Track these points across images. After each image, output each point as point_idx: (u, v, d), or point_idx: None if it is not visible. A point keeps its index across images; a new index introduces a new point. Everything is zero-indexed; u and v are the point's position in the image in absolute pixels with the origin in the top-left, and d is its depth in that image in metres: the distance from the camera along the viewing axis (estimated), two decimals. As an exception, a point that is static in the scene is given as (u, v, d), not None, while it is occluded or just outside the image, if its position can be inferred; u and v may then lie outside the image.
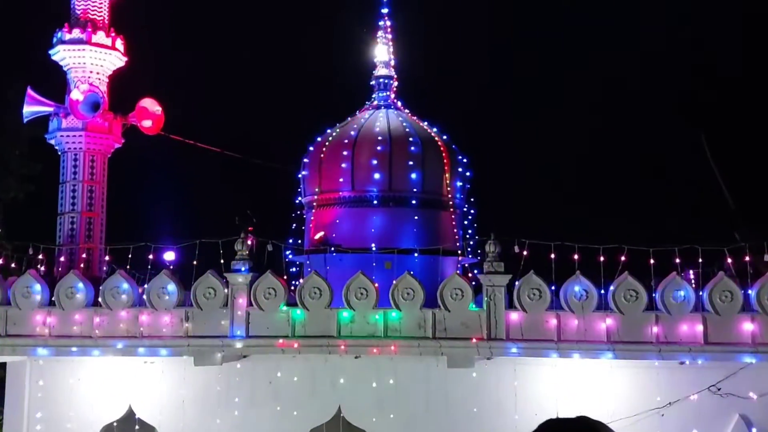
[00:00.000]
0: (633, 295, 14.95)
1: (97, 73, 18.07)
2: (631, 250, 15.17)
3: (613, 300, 15.04)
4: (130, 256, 15.75)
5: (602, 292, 15.12)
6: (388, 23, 21.90)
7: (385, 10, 21.72)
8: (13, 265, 16.73)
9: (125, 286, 15.54)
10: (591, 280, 15.11)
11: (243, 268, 15.49)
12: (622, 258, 15.13)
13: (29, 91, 18.04)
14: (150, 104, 18.30)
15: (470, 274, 19.10)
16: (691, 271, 16.30)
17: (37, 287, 15.63)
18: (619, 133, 30.48)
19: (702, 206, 25.08)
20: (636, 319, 14.97)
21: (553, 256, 15.08)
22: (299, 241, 20.22)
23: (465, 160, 20.89)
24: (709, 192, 24.01)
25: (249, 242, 15.70)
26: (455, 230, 20.26)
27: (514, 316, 15.17)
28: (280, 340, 15.29)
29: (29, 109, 18.04)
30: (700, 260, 15.37)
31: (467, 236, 20.55)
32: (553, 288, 15.18)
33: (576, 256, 15.13)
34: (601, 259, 15.13)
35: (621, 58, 31.81)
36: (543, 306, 15.13)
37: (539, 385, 15.81)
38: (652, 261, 15.15)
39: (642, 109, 30.95)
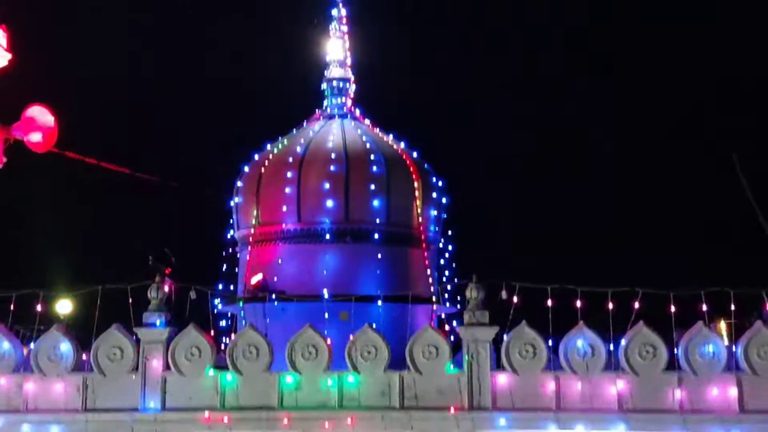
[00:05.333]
0: (650, 351, 15.12)
1: (-28, 74, 17.95)
2: (647, 294, 15.33)
3: (625, 357, 15.18)
4: (12, 307, 15.61)
5: (612, 347, 15.24)
6: (344, 12, 22.09)
7: (339, -3, 21.96)
8: None
9: (5, 345, 15.44)
10: (597, 332, 15.23)
11: (158, 322, 15.48)
12: (636, 305, 15.26)
13: None
14: (40, 113, 17.97)
15: (447, 327, 19.15)
16: (722, 321, 16.50)
17: None
18: (630, 149, 31.14)
19: (735, 238, 25.55)
20: (654, 381, 15.11)
21: (550, 302, 15.20)
22: (231, 287, 20.19)
23: (440, 183, 21.08)
24: (743, 221, 24.43)
25: (166, 288, 15.71)
26: (428, 271, 20.37)
27: (503, 378, 15.26)
28: (206, 414, 15.22)
29: None
30: (733, 307, 15.56)
31: (443, 279, 20.67)
32: (550, 343, 15.28)
33: (579, 303, 15.25)
34: (610, 306, 15.26)
35: (627, 65, 32.74)
36: (538, 366, 15.24)
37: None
38: (673, 308, 15.30)
39: (652, 125, 31.76)
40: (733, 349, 15.30)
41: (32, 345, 15.53)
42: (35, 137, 18.08)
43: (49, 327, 15.59)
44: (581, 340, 15.20)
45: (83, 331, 15.69)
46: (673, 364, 15.23)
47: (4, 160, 18.34)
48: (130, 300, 15.43)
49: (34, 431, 15.41)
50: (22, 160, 18.53)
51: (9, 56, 18.47)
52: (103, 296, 15.49)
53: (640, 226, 30.18)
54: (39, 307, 15.65)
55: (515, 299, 15.40)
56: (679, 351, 15.21)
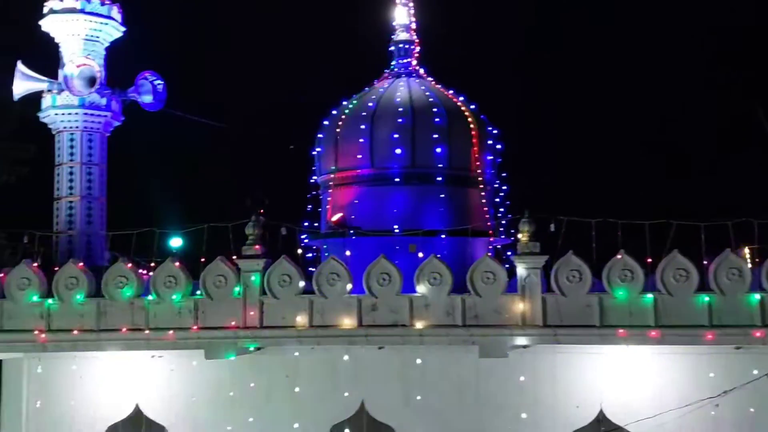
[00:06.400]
0: (683, 275, 14.97)
1: (93, 45, 18.30)
2: (681, 225, 15.17)
3: (661, 280, 15.05)
4: (134, 242, 15.98)
5: (649, 272, 15.14)
6: (408, -18, 21.87)
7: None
8: (7, 254, 17.07)
9: (130, 275, 15.80)
10: (636, 259, 15.13)
11: (255, 254, 15.65)
12: (671, 234, 15.13)
13: (19, 66, 18.33)
14: (150, 78, 18.53)
15: (503, 256, 19.19)
16: (746, 248, 16.29)
17: (34, 278, 15.95)
18: (665, 95, 30.45)
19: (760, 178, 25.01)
20: (687, 299, 14.97)
21: (593, 234, 15.12)
22: (315, 224, 20.42)
23: (495, 132, 20.93)
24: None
25: (262, 226, 15.85)
26: (485, 208, 20.35)
27: (552, 300, 15.25)
28: (296, 330, 15.47)
29: (20, 86, 18.33)
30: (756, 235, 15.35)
31: (499, 215, 20.65)
32: (594, 269, 15.20)
33: (619, 234, 15.15)
34: (647, 236, 15.14)
35: (668, 26, 31.74)
36: (583, 289, 15.21)
37: (580, 374, 15.95)
38: (703, 237, 15.13)
39: (692, 76, 30.90)
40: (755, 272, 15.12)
41: (152, 274, 15.87)
42: (147, 98, 18.59)
43: (165, 259, 15.91)
44: (622, 266, 15.09)
45: (193, 263, 15.97)
46: (702, 286, 15.08)
47: (122, 118, 18.83)
48: (231, 236, 15.73)
49: (155, 346, 15.89)
50: (138, 118, 19.02)
51: (124, 29, 18.87)
52: (209, 233, 15.81)
53: (677, 165, 29.67)
54: (156, 243, 16.09)
55: (562, 231, 15.38)
56: (709, 274, 15.06)
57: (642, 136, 30.33)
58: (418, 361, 16.13)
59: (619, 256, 15.14)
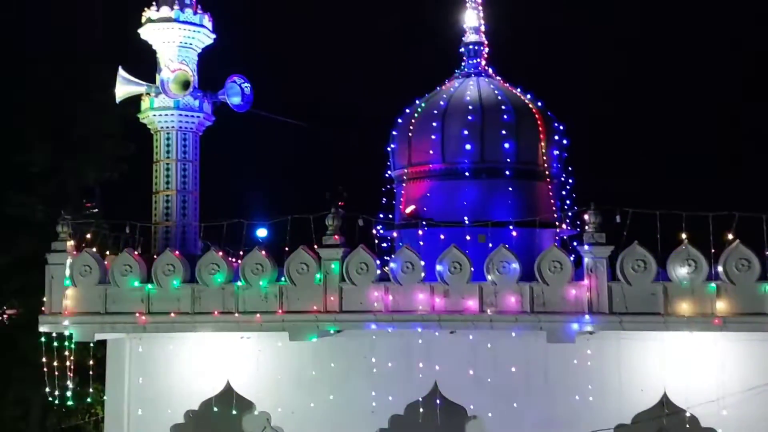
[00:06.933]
0: (745, 265, 14.54)
1: (186, 51, 18.61)
2: (743, 217, 14.68)
3: (724, 270, 14.65)
4: (224, 233, 16.23)
5: (712, 262, 14.72)
6: (478, -11, 21.65)
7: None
8: (110, 244, 17.50)
9: (221, 262, 16.06)
10: (700, 249, 14.72)
11: (334, 243, 15.78)
12: (733, 226, 14.66)
13: (120, 71, 18.72)
14: (239, 81, 18.74)
15: (569, 247, 18.86)
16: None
17: (136, 265, 16.34)
18: (727, 92, 29.47)
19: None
20: (749, 289, 14.55)
21: (658, 225, 14.75)
22: (390, 216, 20.38)
23: (561, 128, 20.54)
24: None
25: (340, 217, 15.95)
26: (552, 201, 20.00)
27: (617, 288, 14.96)
28: (374, 315, 15.53)
29: (121, 90, 18.73)
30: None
31: (565, 207, 20.25)
32: (658, 259, 14.84)
33: (683, 225, 14.76)
34: (711, 227, 14.70)
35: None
36: (648, 278, 14.87)
37: (645, 359, 15.61)
38: (765, 228, 14.62)
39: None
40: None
41: (240, 262, 16.10)
42: (236, 100, 18.78)
43: (252, 248, 16.11)
44: (686, 256, 14.71)
45: (278, 252, 16.14)
46: (765, 276, 14.59)
47: (213, 118, 19.09)
48: (313, 226, 15.84)
49: (244, 329, 16.11)
50: (227, 118, 19.26)
51: (214, 36, 19.12)
52: (293, 224, 15.94)
53: (739, 159, 28.72)
54: (244, 233, 16.24)
55: (627, 223, 15.04)
56: (769, 265, 14.58)
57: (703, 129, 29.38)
58: (489, 345, 16.00)
59: (682, 247, 14.75)
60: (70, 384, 17.48)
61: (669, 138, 29.42)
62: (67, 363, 16.91)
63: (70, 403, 18.66)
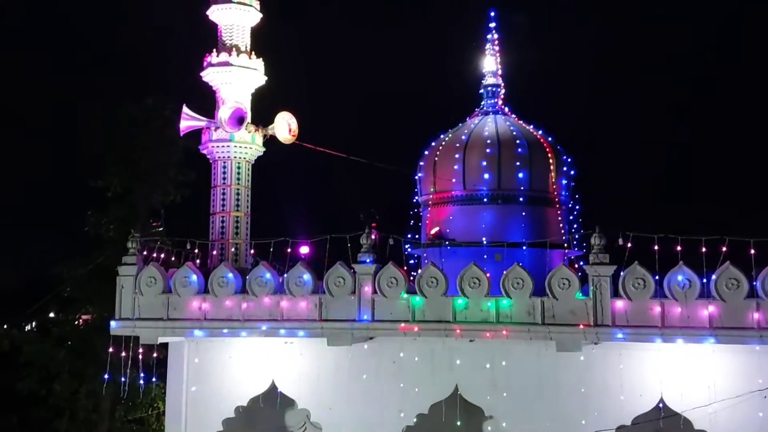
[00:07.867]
0: (734, 284, 14.43)
1: (242, 91, 18.98)
2: (732, 240, 14.60)
3: (715, 288, 14.55)
4: (271, 249, 16.48)
5: (704, 281, 14.64)
6: (496, 36, 21.91)
7: (492, 24, 21.82)
8: (173, 258, 17.81)
9: (268, 275, 16.28)
10: (693, 270, 14.66)
11: (368, 260, 15.96)
12: (724, 249, 14.58)
13: (184, 108, 19.12)
14: (286, 116, 19.05)
15: (576, 266, 18.82)
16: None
17: (194, 277, 16.63)
18: (721, 121, 29.22)
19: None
20: (737, 306, 14.44)
21: (656, 247, 14.71)
22: (417, 236, 20.50)
23: (569, 160, 20.59)
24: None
25: (373, 237, 16.12)
26: (561, 225, 20.00)
27: (620, 303, 14.94)
28: (402, 324, 15.63)
29: (185, 124, 19.13)
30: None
31: (573, 230, 20.24)
32: (656, 278, 14.82)
33: (679, 248, 14.70)
34: (704, 250, 14.63)
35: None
36: (647, 294, 14.83)
37: (644, 368, 15.49)
38: (752, 251, 14.51)
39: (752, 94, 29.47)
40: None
41: (285, 275, 16.29)
42: (284, 134, 19.07)
43: (296, 263, 16.31)
44: (681, 275, 14.67)
45: (318, 266, 16.30)
46: (752, 294, 14.49)
47: (264, 149, 19.38)
48: (349, 245, 16.00)
49: (287, 334, 16.30)
50: (276, 149, 19.54)
51: (265, 78, 19.48)
52: (332, 242, 16.11)
53: (730, 186, 28.40)
54: (289, 250, 16.47)
55: (629, 245, 14.98)
56: (757, 283, 14.46)
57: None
58: (504, 353, 15.99)
59: (678, 267, 14.69)
60: (138, 381, 17.76)
61: (666, 166, 29.21)
62: (134, 362, 17.16)
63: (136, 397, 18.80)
